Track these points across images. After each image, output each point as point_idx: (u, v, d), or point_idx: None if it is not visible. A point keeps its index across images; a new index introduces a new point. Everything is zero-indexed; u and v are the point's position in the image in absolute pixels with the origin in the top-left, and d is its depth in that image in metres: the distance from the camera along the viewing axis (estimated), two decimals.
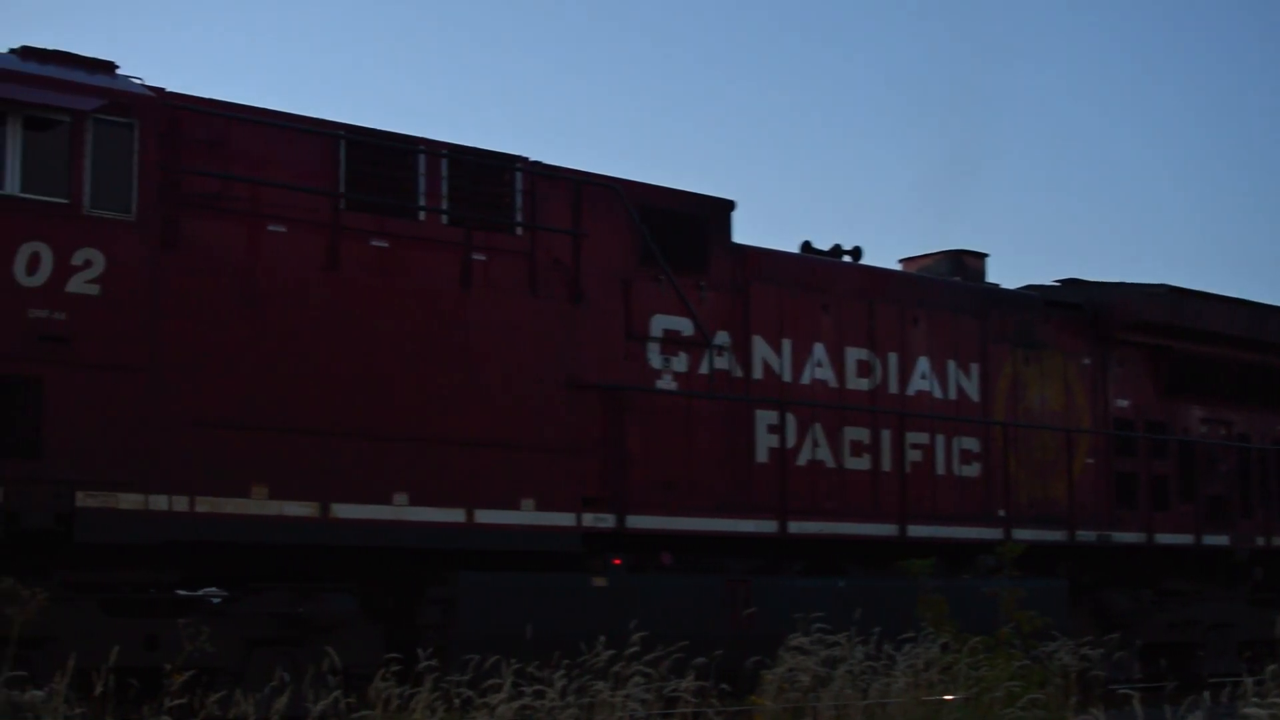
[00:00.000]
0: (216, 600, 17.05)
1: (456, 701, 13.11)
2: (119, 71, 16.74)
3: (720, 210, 21.33)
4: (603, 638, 14.40)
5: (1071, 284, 26.49)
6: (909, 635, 16.47)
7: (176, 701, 12.49)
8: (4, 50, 16.40)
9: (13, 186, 15.48)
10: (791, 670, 14.87)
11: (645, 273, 20.22)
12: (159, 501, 15.92)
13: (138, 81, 16.70)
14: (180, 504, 16.05)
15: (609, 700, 13.13)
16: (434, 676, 13.06)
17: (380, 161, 18.25)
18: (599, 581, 18.86)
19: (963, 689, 15.12)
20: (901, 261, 25.98)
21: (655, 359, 20.30)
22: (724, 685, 16.49)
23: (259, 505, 16.53)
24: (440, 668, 13.52)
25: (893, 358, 23.01)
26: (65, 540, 15.49)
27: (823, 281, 22.55)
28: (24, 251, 15.38)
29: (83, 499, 15.48)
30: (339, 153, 17.94)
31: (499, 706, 12.44)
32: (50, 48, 16.50)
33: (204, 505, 16.19)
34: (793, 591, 20.16)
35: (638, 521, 19.48)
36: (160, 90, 16.77)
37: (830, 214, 64.80)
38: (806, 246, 23.43)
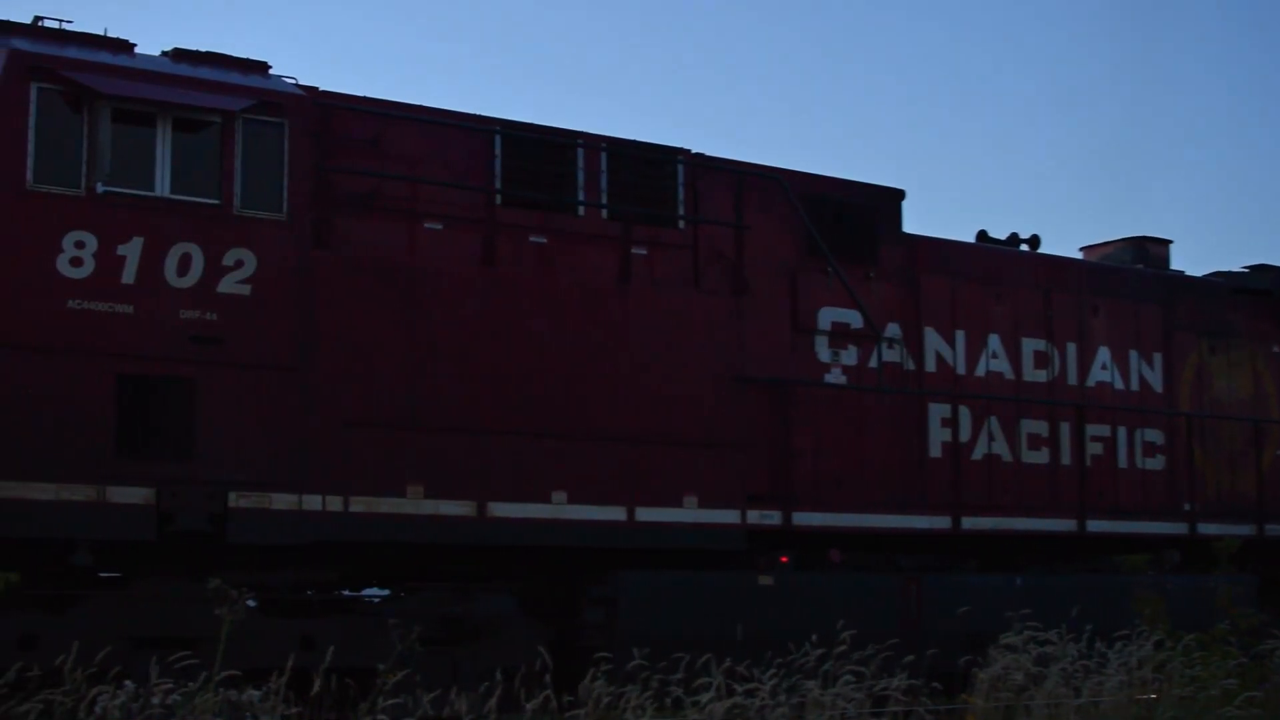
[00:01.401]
0: (375, 600, 16.98)
1: (668, 701, 12.97)
2: (271, 72, 16.70)
3: (889, 199, 20.87)
4: (812, 637, 14.17)
5: (1261, 270, 25.57)
6: (1121, 633, 15.86)
7: (390, 701, 12.44)
8: (156, 53, 16.43)
9: (163, 188, 15.48)
10: (1005, 669, 14.46)
11: (812, 265, 19.82)
12: (313, 502, 15.84)
13: (290, 81, 16.65)
14: (334, 504, 15.96)
15: (819, 699, 12.83)
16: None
17: (537, 156, 18.08)
18: (765, 580, 18.49)
19: (1178, 687, 14.59)
20: (1082, 250, 25.28)
21: (823, 352, 19.89)
22: (935, 684, 16.11)
23: (414, 505, 16.40)
24: (610, 666, 13.30)
25: (1071, 348, 22.38)
26: (219, 541, 15.45)
27: (997, 271, 21.98)
28: (175, 253, 15.38)
29: (236, 500, 15.45)
30: (495, 148, 17.78)
31: (709, 705, 12.21)
32: (203, 49, 16.52)
33: (358, 505, 16.09)
34: (968, 589, 19.69)
35: (805, 518, 19.11)
36: (312, 90, 16.71)
37: (1009, 203, 63.62)
38: (982, 235, 22.89)
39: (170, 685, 11.58)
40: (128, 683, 11.91)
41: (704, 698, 12.28)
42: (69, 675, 11.46)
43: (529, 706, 11.99)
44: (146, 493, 15.06)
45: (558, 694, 12.58)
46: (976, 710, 14.28)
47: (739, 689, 12.59)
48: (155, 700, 11.45)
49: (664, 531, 17.84)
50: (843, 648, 13.85)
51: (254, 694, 12.02)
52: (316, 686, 12.27)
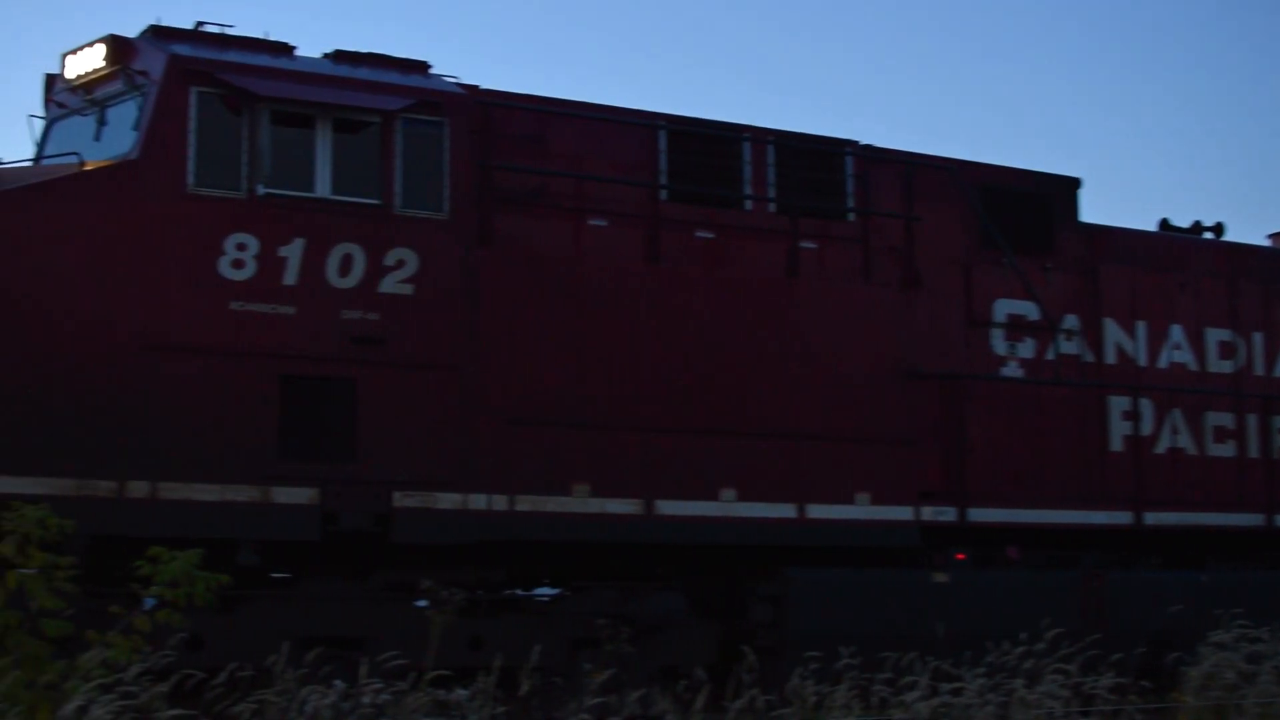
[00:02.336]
0: (544, 599, 16.90)
1: (875, 700, 12.83)
2: (432, 71, 16.68)
3: (1065, 188, 20.43)
4: (996, 635, 13.94)
5: None
6: None
7: (597, 700, 12.36)
8: (317, 55, 16.48)
9: (323, 189, 15.50)
10: (1216, 666, 14.10)
11: (986, 256, 19.44)
12: (477, 501, 15.79)
13: (451, 80, 16.62)
14: (499, 503, 15.90)
15: (1024, 699, 12.60)
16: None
17: (703, 151, 17.91)
18: (940, 577, 18.14)
19: None
20: (1270, 237, 24.57)
21: (999, 345, 19.49)
22: (1144, 681, 15.73)
23: (580, 503, 16.29)
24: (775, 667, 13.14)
25: (1258, 338, 21.73)
26: (382, 541, 15.44)
27: (1179, 260, 21.42)
28: (336, 253, 15.40)
29: (400, 499, 15.43)
30: (659, 143, 17.64)
31: (915, 704, 12.14)
32: (363, 50, 16.55)
33: (524, 504, 16.02)
34: (1153, 586, 19.21)
35: (981, 514, 18.74)
36: (473, 88, 16.68)
37: (1193, 192, 62.19)
38: (1165, 224, 22.32)
39: (379, 685, 11.72)
40: (338, 682, 12.11)
41: (909, 696, 12.20)
42: (280, 675, 11.68)
43: (734, 706, 11.86)
44: (310, 493, 15.10)
45: (724, 693, 12.49)
46: (1188, 709, 13.93)
47: (943, 688, 12.39)
48: (365, 700, 11.63)
49: (835, 529, 17.56)
50: (1040, 645, 13.54)
51: (462, 693, 12.14)
52: (525, 687, 12.46)
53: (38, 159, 16.29)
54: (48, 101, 16.70)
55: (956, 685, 12.44)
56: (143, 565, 10.32)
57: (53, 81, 16.62)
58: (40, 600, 9.99)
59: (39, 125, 16.76)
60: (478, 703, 11.95)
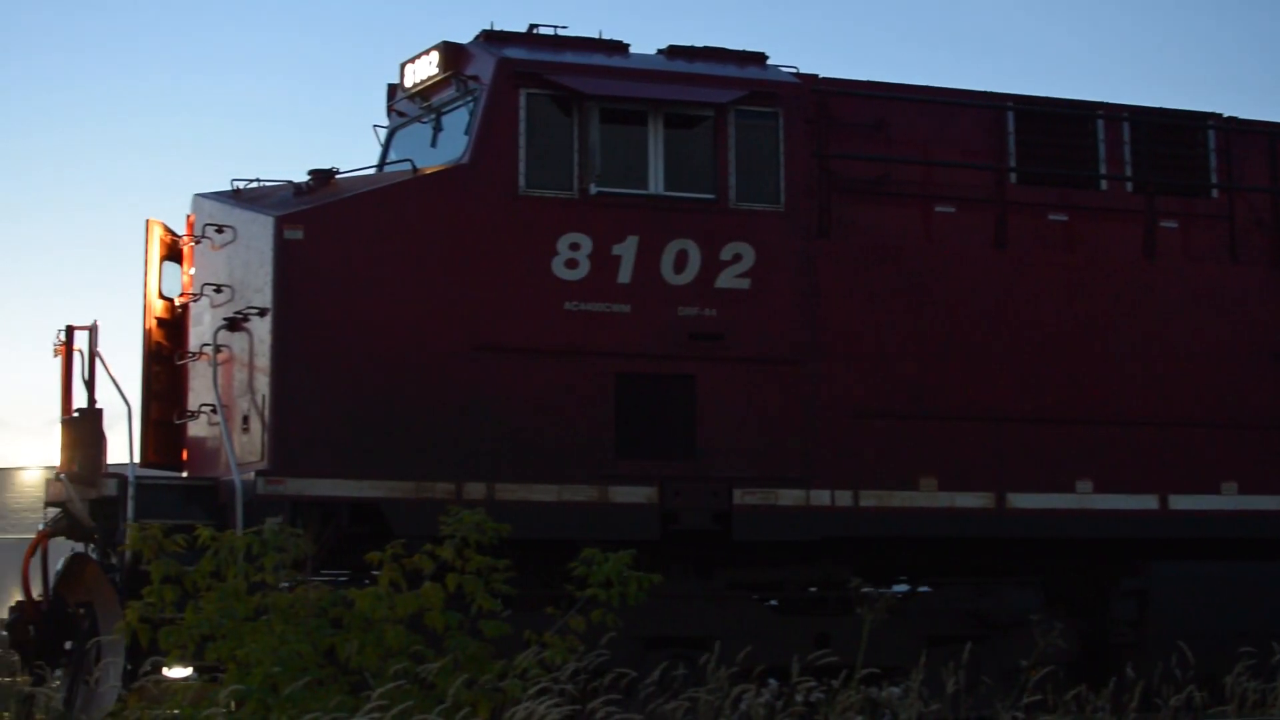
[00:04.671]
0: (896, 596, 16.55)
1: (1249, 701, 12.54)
2: (769, 62, 16.44)
3: None
4: None
5: None
6: None
7: (1032, 699, 12.28)
8: (652, 52, 16.40)
9: (656, 186, 15.40)
10: None
11: None
12: (820, 497, 15.52)
13: (788, 70, 16.36)
14: (843, 499, 15.62)
15: None
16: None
17: (1054, 130, 17.32)
18: None
19: None
20: None
21: None
22: None
23: (928, 497, 15.90)
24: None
25: None
26: (723, 539, 15.27)
27: None
28: (670, 250, 15.29)
29: (740, 496, 15.24)
30: (1007, 125, 17.10)
31: None
32: (699, 45, 16.40)
33: (869, 499, 15.70)
34: None
35: None
36: (810, 77, 16.39)
37: None
38: None
39: (813, 683, 11.72)
40: (771, 681, 12.22)
41: None
42: (712, 674, 11.87)
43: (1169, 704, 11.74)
44: (649, 492, 15.03)
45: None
46: None
47: None
48: (798, 699, 11.65)
49: (1200, 520, 16.81)
50: None
51: (894, 691, 12.39)
52: (950, 686, 12.42)
53: (379, 167, 16.55)
54: (390, 110, 16.97)
55: None
56: (576, 566, 10.66)
57: (394, 91, 16.87)
58: (479, 601, 10.33)
59: (383, 134, 17.03)
60: (908, 700, 11.92)
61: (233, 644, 10.06)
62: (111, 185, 70.25)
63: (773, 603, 16.08)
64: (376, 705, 9.12)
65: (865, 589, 13.43)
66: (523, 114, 15.11)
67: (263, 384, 14.52)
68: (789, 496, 15.44)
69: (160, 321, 16.39)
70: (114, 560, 14.25)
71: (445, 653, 10.14)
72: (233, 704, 9.59)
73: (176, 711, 10.01)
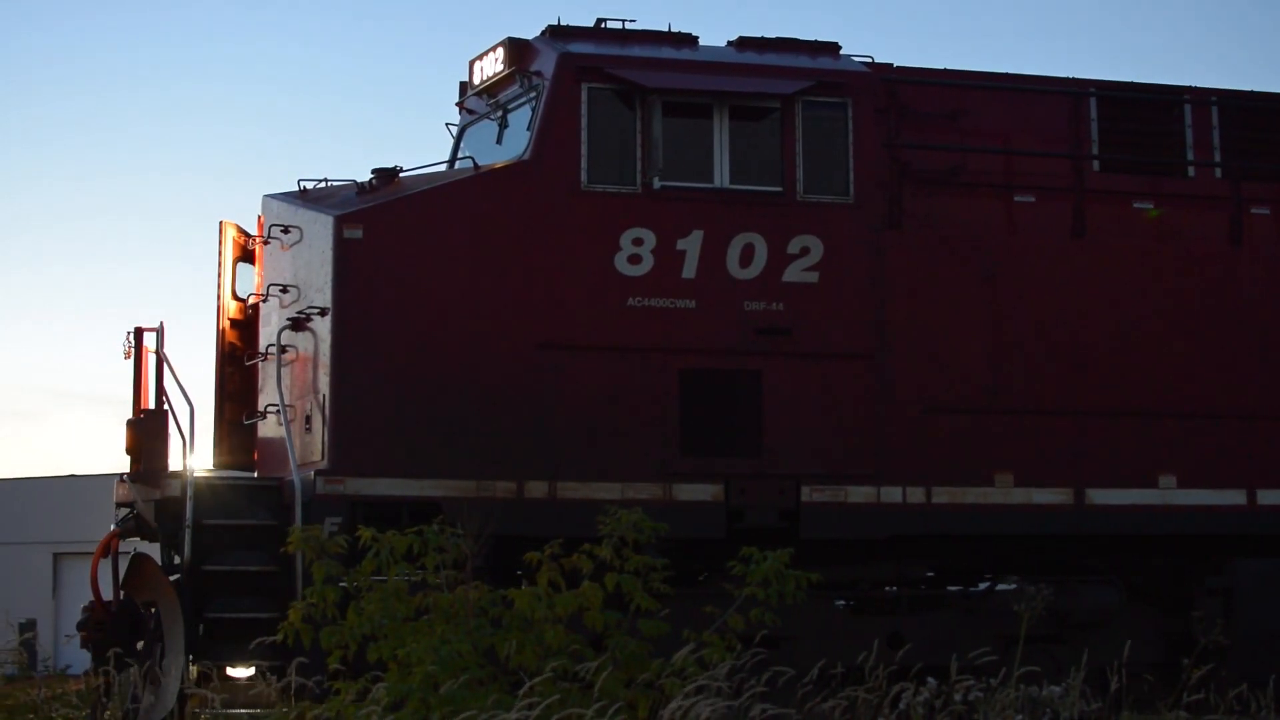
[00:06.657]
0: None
1: None
2: (843, 52, 16.20)
3: None
4: None
5: None
6: None
7: (1194, 698, 12.16)
8: (721, 44, 16.23)
9: (722, 179, 15.23)
10: None
11: None
12: (891, 494, 15.28)
13: (860, 60, 16.12)
14: (915, 495, 15.36)
15: None
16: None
17: (1138, 116, 16.90)
18: None
19: None
20: None
21: None
22: None
23: (1003, 494, 15.61)
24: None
25: None
26: (790, 537, 15.05)
27: None
28: (736, 244, 15.12)
29: (809, 494, 15.04)
30: (1089, 111, 16.71)
31: None
32: (770, 36, 16.21)
33: (941, 496, 15.43)
34: None
35: None
36: (882, 66, 16.15)
37: None
38: None
39: (971, 681, 11.68)
40: (930, 679, 12.00)
41: None
42: (870, 673, 11.87)
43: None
44: (714, 489, 14.88)
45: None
46: None
47: None
48: (957, 697, 11.60)
49: None
50: None
51: (1054, 690, 12.11)
52: (1114, 685, 12.27)
53: (450, 164, 16.51)
54: (460, 107, 16.92)
55: None
56: (734, 565, 10.78)
57: (464, 88, 16.82)
58: (637, 600, 10.44)
59: (455, 132, 17.00)
60: (1069, 699, 11.86)
61: (394, 644, 10.20)
62: (190, 187, 70.24)
63: (841, 603, 15.87)
64: (529, 701, 9.14)
65: (1026, 586, 13.33)
66: (584, 109, 14.99)
67: (324, 384, 14.54)
68: (859, 493, 15.21)
69: (234, 322, 16.49)
70: (175, 560, 14.33)
71: (604, 652, 10.10)
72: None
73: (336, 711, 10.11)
